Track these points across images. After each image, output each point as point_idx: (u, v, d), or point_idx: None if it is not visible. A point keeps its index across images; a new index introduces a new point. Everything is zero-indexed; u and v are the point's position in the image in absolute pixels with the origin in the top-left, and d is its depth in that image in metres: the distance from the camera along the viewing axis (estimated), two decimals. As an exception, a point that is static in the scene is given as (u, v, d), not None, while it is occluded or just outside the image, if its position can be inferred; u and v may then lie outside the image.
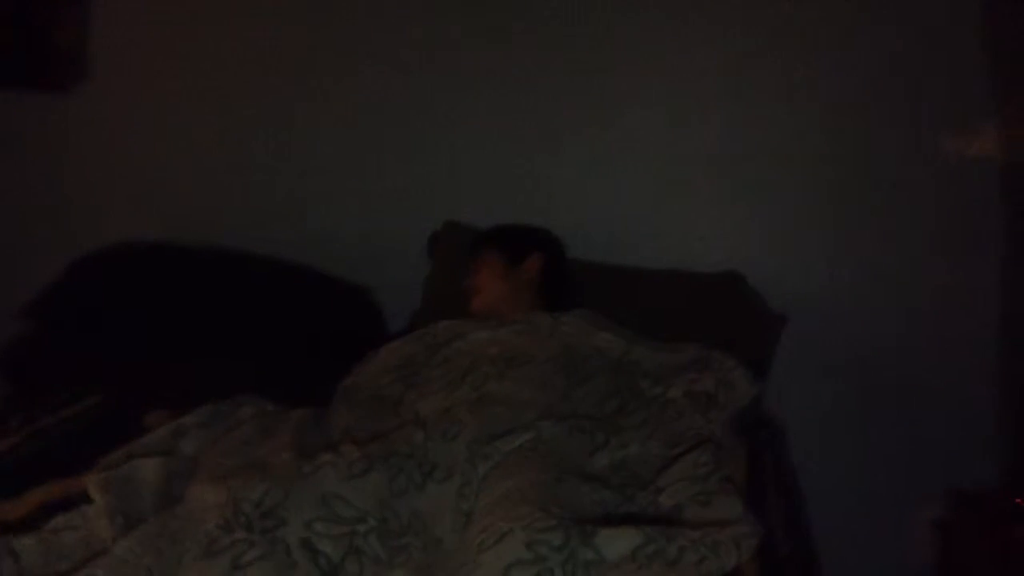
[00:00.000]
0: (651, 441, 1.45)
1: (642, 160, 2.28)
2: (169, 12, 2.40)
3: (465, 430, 1.37)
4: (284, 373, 1.84)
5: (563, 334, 1.74)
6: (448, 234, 2.24)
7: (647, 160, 2.28)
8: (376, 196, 2.38)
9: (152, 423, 1.50)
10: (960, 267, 2.17)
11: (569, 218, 2.18)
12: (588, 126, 2.30)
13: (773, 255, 2.25)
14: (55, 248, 2.22)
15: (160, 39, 2.41)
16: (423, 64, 2.33)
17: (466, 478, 1.30)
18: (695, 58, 2.23)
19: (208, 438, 1.40)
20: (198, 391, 1.57)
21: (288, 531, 1.15)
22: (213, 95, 2.41)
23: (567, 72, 2.29)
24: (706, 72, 2.24)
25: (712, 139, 2.25)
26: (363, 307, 2.25)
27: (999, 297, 2.14)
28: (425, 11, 2.32)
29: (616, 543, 1.12)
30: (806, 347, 2.13)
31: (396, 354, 1.76)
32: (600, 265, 2.14)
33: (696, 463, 1.35)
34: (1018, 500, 1.89)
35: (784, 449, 1.91)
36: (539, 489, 1.23)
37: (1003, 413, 2.14)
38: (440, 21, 2.31)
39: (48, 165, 2.50)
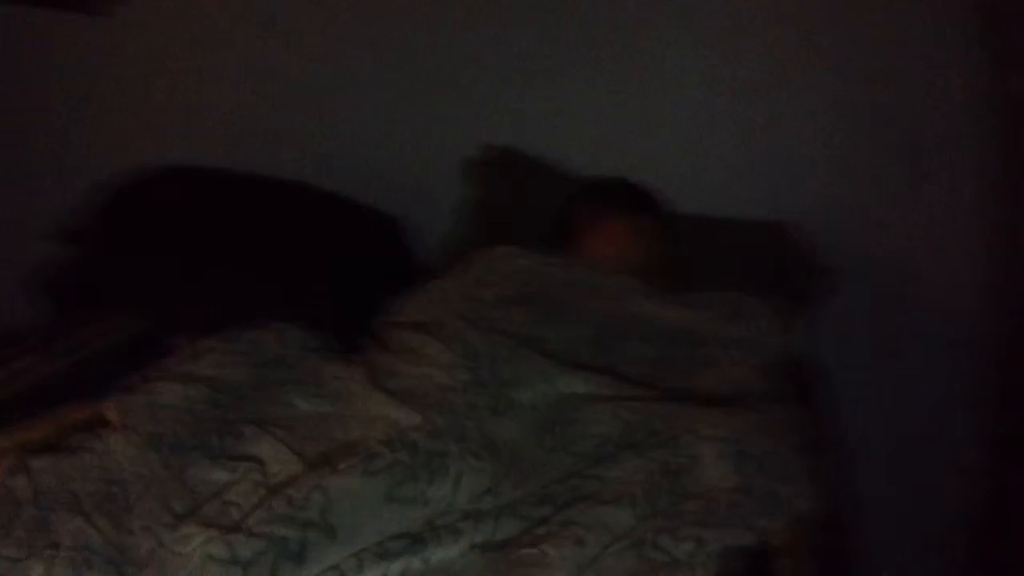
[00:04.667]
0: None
1: (672, 91, 2.21)
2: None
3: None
4: (307, 298, 1.83)
5: (605, 297, 1.70)
6: (489, 157, 2.19)
7: (678, 91, 2.20)
8: (403, 123, 2.34)
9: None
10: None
11: (598, 154, 2.15)
12: (610, 50, 2.21)
13: (813, 195, 2.18)
14: (89, 172, 2.22)
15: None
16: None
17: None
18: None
19: (225, 362, 1.39)
20: (224, 315, 1.56)
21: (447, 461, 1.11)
22: (242, 20, 2.36)
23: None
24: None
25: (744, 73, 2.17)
26: (391, 236, 2.22)
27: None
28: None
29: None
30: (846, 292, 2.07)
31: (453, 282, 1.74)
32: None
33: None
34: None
35: (815, 394, 1.87)
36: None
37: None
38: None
39: (83, 88, 2.47)
